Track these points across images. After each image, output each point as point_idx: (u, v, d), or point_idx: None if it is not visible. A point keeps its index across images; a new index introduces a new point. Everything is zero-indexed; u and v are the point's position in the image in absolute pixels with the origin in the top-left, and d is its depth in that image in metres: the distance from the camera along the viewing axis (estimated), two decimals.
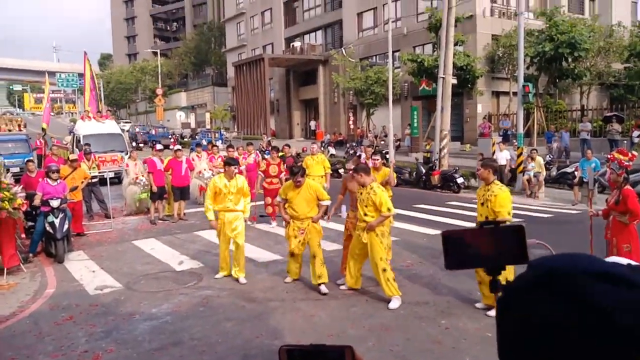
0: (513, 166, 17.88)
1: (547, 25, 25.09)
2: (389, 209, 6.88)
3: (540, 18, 27.03)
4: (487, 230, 1.47)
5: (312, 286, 7.65)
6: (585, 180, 14.17)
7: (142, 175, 13.93)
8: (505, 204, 6.39)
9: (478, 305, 6.77)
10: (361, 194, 7.12)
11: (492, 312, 6.41)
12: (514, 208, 13.95)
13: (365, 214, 6.99)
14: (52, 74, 36.65)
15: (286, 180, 12.03)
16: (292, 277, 8.00)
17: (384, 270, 6.92)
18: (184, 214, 13.70)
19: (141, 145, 20.68)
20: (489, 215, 6.40)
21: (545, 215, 13.65)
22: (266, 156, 26.08)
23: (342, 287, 7.65)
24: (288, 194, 7.71)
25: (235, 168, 8.36)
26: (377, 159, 8.59)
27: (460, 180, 17.81)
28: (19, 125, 27.83)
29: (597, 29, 26.82)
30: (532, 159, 16.56)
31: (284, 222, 8.15)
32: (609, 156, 7.71)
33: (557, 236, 10.57)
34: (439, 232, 10.15)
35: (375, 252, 6.96)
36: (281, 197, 7.89)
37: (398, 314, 6.74)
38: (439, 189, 18.36)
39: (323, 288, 7.47)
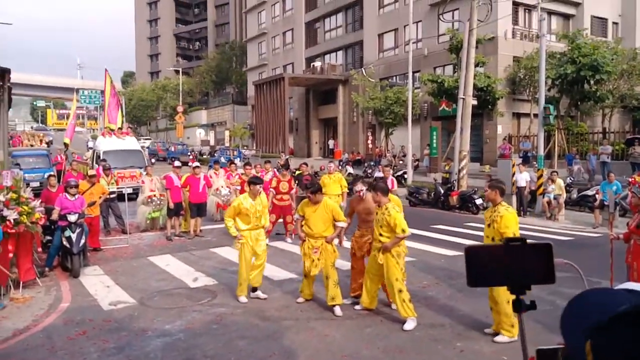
0: (533, 188, 17.66)
1: (569, 48, 24.92)
2: (403, 230, 6.78)
3: (562, 41, 26.89)
4: (513, 247, 1.40)
5: (326, 306, 7.54)
6: (606, 203, 13.96)
7: (155, 195, 13.98)
8: (510, 224, 6.21)
9: (487, 330, 6.62)
10: (376, 214, 7.04)
11: (499, 338, 6.32)
12: (534, 230, 13.92)
13: (381, 234, 6.90)
14: (75, 90, 37.31)
15: (299, 197, 12.04)
16: (304, 297, 7.90)
17: (400, 291, 6.81)
18: (201, 230, 13.70)
19: (153, 161, 20.91)
20: (495, 237, 6.27)
21: (565, 238, 13.41)
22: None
23: (357, 307, 7.54)
24: (305, 211, 7.65)
25: (260, 187, 8.28)
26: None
27: (479, 201, 17.60)
28: (41, 141, 28.22)
29: (620, 51, 26.57)
30: (553, 181, 16.38)
31: (299, 240, 8.09)
32: (630, 179, 7.63)
33: (577, 259, 10.33)
34: (456, 253, 9.86)
35: (390, 273, 6.86)
36: (298, 214, 7.82)
37: (413, 335, 6.61)
38: (457, 210, 18.19)
39: (337, 310, 7.36)
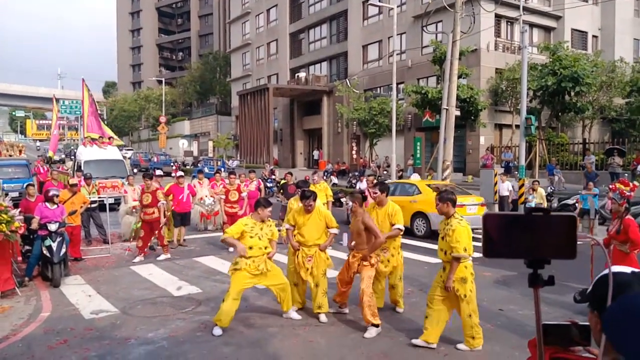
0: (515, 197, 17.85)
1: (551, 60, 25.27)
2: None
3: (543, 53, 27.26)
4: (535, 218, 1.36)
5: (311, 313, 7.51)
6: (586, 210, 14.22)
7: (135, 208, 13.85)
8: (462, 238, 5.98)
9: (415, 341, 6.37)
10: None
11: (461, 346, 6.30)
12: None
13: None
14: (55, 100, 36.87)
15: (284, 207, 11.97)
16: (296, 305, 7.74)
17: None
18: (184, 240, 13.62)
19: (135, 171, 20.70)
20: (447, 250, 6.11)
21: None
22: (269, 184, 26.10)
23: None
24: (297, 219, 7.50)
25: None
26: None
27: None
28: (20, 151, 27.86)
29: (599, 64, 27.00)
30: (534, 190, 16.54)
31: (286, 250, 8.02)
32: (610, 186, 7.79)
33: (557, 266, 10.44)
34: (438, 260, 9.88)
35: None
36: (289, 224, 7.63)
37: (397, 341, 6.61)
38: None
39: (322, 317, 7.34)
